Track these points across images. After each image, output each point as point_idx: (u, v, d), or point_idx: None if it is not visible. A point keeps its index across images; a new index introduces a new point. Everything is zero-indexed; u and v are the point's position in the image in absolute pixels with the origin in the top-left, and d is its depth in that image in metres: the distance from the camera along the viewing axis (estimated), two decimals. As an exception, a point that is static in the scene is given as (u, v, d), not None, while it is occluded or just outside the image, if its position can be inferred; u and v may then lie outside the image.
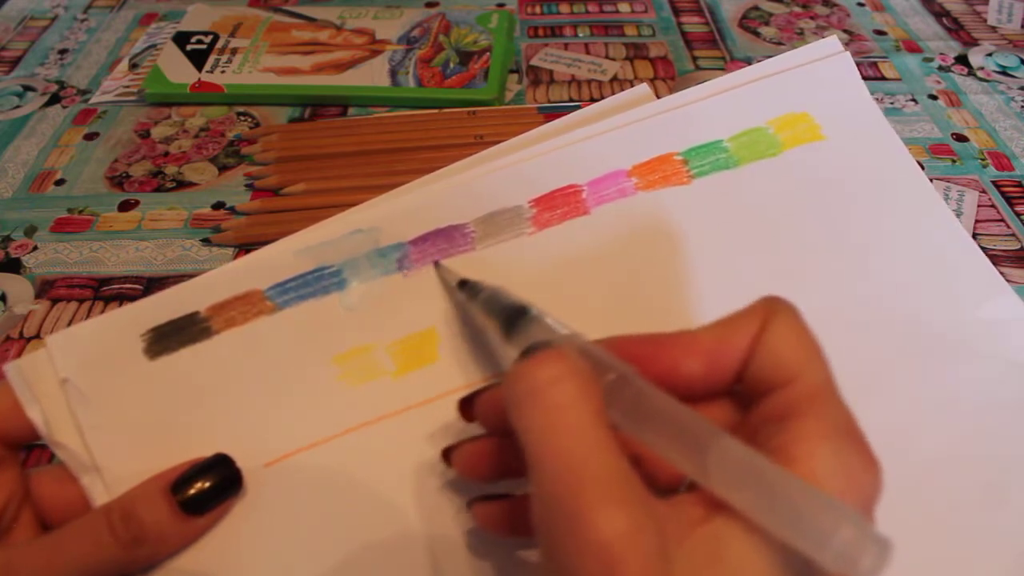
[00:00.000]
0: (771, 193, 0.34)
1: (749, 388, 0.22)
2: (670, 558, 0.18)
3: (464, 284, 0.29)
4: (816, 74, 0.36)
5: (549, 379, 0.20)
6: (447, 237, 0.32)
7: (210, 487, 0.26)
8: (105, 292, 0.42)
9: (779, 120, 0.35)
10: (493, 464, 0.25)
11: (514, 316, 0.25)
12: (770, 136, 0.35)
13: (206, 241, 0.45)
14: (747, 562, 0.18)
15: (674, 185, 0.34)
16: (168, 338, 0.29)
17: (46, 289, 0.43)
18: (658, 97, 0.35)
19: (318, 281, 0.30)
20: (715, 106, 0.35)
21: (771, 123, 0.35)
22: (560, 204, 0.33)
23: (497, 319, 0.26)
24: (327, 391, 0.29)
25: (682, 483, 0.23)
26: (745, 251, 0.33)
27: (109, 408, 0.27)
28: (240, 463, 0.27)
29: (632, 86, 0.36)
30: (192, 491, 0.26)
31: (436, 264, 0.31)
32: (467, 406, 0.26)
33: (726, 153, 0.35)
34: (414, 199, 0.32)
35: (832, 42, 0.36)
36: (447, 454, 0.27)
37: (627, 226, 0.33)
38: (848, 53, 0.36)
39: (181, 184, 0.49)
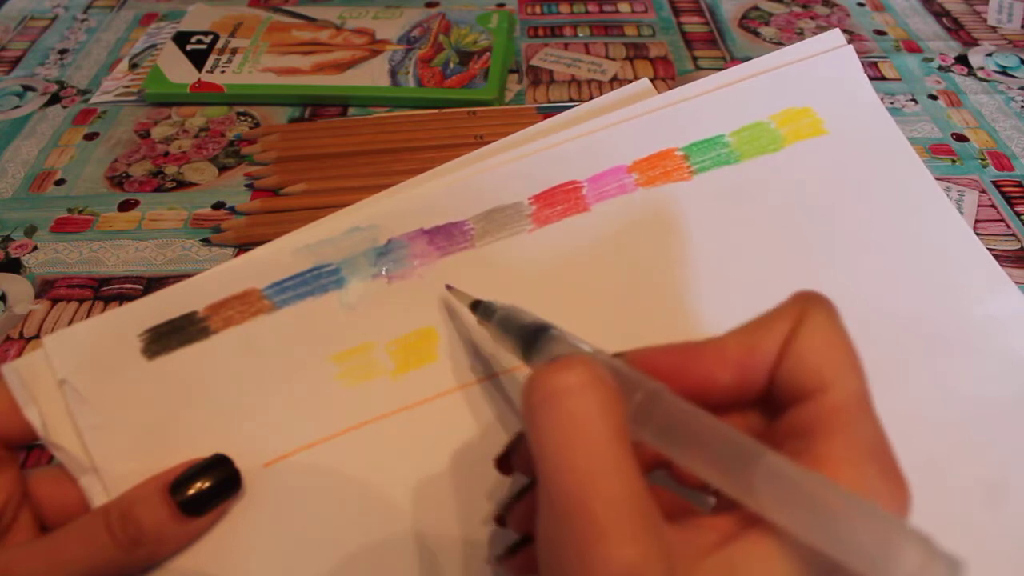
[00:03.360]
0: (773, 188, 0.34)
1: (777, 396, 0.21)
2: None
3: (477, 305, 0.28)
4: (819, 68, 0.35)
5: (569, 386, 0.19)
6: (446, 234, 0.32)
7: (209, 488, 0.26)
8: (105, 292, 0.42)
9: (781, 115, 0.35)
10: None
11: (533, 335, 0.24)
12: (772, 131, 0.35)
13: (206, 241, 0.45)
14: None
15: (675, 181, 0.34)
16: (166, 338, 0.29)
17: (46, 289, 0.43)
18: (658, 96, 0.35)
19: (316, 280, 0.30)
20: (717, 101, 0.35)
21: (773, 118, 0.35)
22: (560, 201, 0.33)
23: (515, 338, 0.25)
24: (326, 390, 0.29)
25: (708, 488, 0.22)
26: (746, 247, 0.33)
27: (107, 409, 0.27)
28: (239, 463, 0.27)
29: (632, 87, 0.36)
30: (191, 492, 0.26)
31: (448, 288, 0.30)
32: (505, 461, 0.25)
33: (727, 148, 0.34)
34: (413, 196, 0.32)
35: (835, 35, 0.36)
36: (501, 519, 0.25)
37: (628, 223, 0.33)
38: (851, 47, 0.36)
39: (181, 184, 0.49)
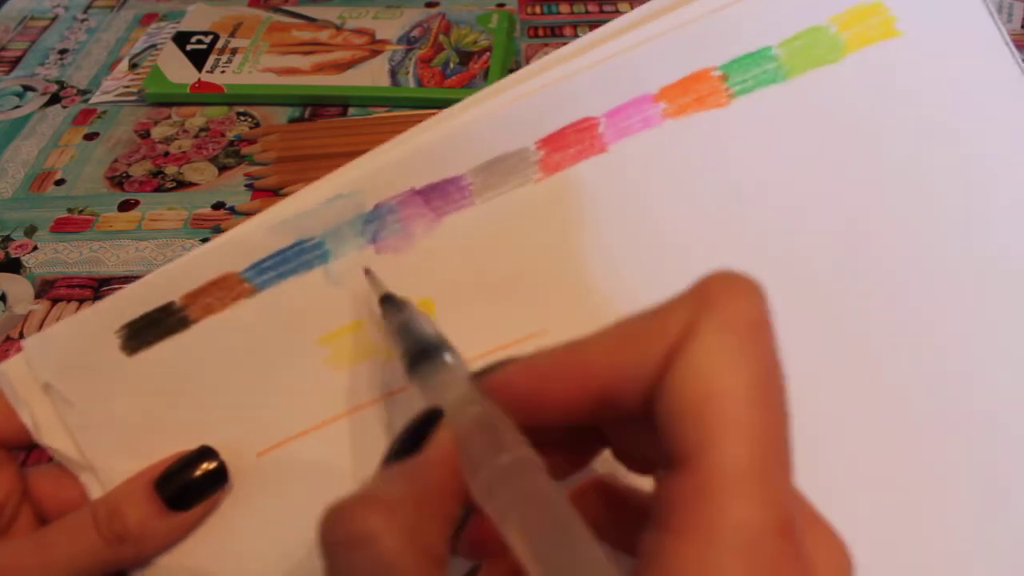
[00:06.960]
0: (830, 112, 0.28)
1: (660, 430, 0.16)
2: None
3: (387, 299, 0.26)
4: None
5: (369, 533, 0.17)
6: (441, 193, 0.28)
7: (194, 481, 0.26)
8: (105, 292, 0.42)
9: (844, 15, 0.29)
10: None
11: (419, 356, 0.23)
12: (831, 36, 0.28)
13: (206, 241, 0.45)
14: None
15: (709, 108, 0.28)
16: (144, 332, 0.27)
17: (46, 289, 0.43)
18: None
19: (298, 256, 0.28)
20: (763, 4, 0.29)
21: (833, 20, 0.29)
22: (573, 142, 0.28)
23: (405, 349, 0.23)
24: (316, 375, 0.28)
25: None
26: (796, 186, 0.28)
27: (94, 408, 0.27)
28: (231, 453, 0.26)
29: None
30: (176, 486, 0.26)
31: (366, 271, 0.28)
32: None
33: (775, 63, 0.28)
34: (399, 154, 0.28)
35: None
36: None
37: (652, 163, 0.28)
38: None
39: (181, 184, 0.49)
